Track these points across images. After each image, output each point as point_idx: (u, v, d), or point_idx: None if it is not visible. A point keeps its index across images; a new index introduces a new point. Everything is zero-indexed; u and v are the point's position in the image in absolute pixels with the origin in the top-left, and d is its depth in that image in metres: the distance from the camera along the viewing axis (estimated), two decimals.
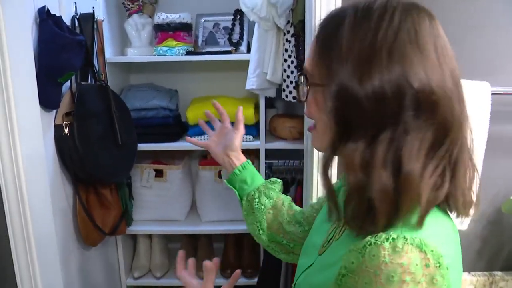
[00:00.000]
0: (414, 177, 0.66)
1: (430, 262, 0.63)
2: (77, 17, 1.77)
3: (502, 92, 1.27)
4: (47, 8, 1.53)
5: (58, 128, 1.64)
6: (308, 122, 1.82)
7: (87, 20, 1.80)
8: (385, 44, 0.68)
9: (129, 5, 2.18)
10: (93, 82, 1.86)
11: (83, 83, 1.77)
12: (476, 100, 1.25)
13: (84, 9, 1.85)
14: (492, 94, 1.25)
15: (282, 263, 2.17)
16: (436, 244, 0.65)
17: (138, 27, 2.21)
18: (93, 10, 1.90)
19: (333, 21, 0.76)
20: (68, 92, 1.71)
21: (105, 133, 1.82)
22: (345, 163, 0.70)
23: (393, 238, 0.64)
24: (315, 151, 1.46)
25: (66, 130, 1.64)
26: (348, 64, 0.70)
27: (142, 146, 2.10)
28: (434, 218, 0.70)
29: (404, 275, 0.62)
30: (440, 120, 0.68)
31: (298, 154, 2.30)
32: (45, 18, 1.50)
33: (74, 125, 1.65)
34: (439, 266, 0.63)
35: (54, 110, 1.64)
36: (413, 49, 0.68)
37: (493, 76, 1.26)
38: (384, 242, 0.64)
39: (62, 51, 1.50)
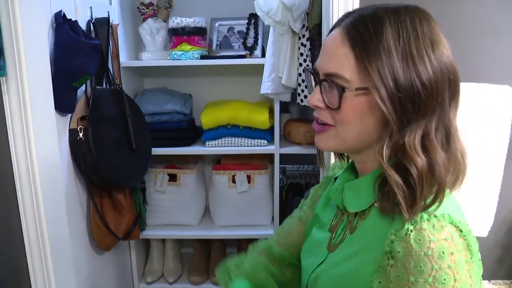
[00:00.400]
0: (463, 154, 0.77)
1: (463, 233, 0.72)
2: (93, 21, 1.77)
3: None
4: (63, 13, 1.53)
5: (72, 132, 1.64)
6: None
7: (102, 25, 1.80)
8: (425, 39, 0.75)
9: (144, 9, 2.18)
10: (108, 87, 1.86)
11: (98, 87, 1.77)
12: (497, 105, 1.22)
13: (99, 13, 1.85)
14: None
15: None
16: (458, 217, 0.73)
17: (153, 32, 2.21)
18: (108, 15, 1.91)
19: (368, 25, 0.76)
20: (83, 96, 1.71)
21: (119, 138, 1.81)
22: (406, 152, 0.74)
23: (427, 219, 0.71)
24: (333, 156, 1.44)
25: (80, 135, 1.64)
26: (399, 62, 0.73)
27: (156, 151, 2.09)
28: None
29: (451, 248, 0.70)
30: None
31: (313, 159, 2.28)
32: (61, 22, 1.51)
33: (89, 129, 1.65)
34: (469, 234, 0.72)
35: (69, 115, 1.64)
36: (441, 40, 0.77)
37: None
38: (422, 224, 0.71)
39: (77, 55, 1.51)
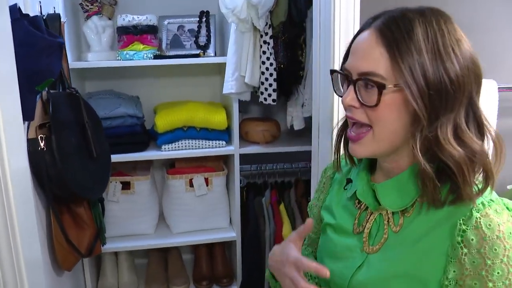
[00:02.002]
0: (499, 140, 0.81)
1: None
2: (44, 17, 1.59)
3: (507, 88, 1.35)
4: (19, 7, 1.36)
5: (32, 142, 1.45)
6: (323, 124, 1.81)
7: (54, 21, 1.63)
8: (451, 37, 0.79)
9: (87, 6, 2.02)
10: (61, 90, 1.69)
11: (52, 91, 1.60)
12: (484, 99, 1.30)
13: (46, 9, 1.67)
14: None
15: (264, 279, 2.13)
16: (505, 200, 0.80)
17: (98, 30, 2.05)
18: (54, 10, 1.73)
19: (400, 26, 0.79)
20: (38, 101, 1.53)
21: (79, 146, 1.65)
22: (441, 145, 0.77)
23: (488, 204, 0.77)
24: (325, 152, 1.43)
25: (42, 144, 1.47)
26: (428, 60, 0.77)
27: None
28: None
29: None
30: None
31: (269, 158, 2.28)
32: (18, 17, 1.33)
33: (52, 138, 1.48)
34: None
35: (26, 123, 1.46)
36: (464, 37, 0.82)
37: (498, 73, 1.33)
38: (486, 210, 0.76)
39: (42, 55, 1.35)
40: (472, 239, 0.75)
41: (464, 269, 0.76)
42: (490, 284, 0.75)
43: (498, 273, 0.75)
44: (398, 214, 0.86)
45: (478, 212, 0.76)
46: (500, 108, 1.43)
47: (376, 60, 0.79)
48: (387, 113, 0.80)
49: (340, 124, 0.96)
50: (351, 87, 0.83)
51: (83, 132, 1.69)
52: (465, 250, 0.76)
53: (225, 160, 2.32)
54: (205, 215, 2.25)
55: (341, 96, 0.88)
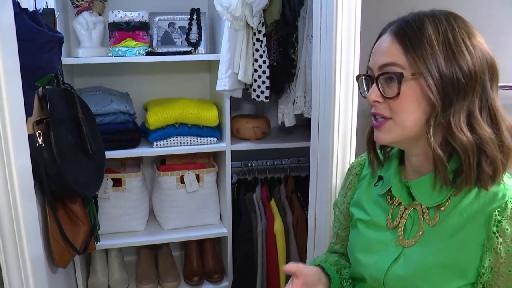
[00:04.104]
0: (511, 130, 0.85)
1: None
2: (40, 12, 1.57)
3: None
4: (18, 1, 1.34)
5: (30, 139, 1.43)
6: (326, 120, 1.82)
7: (49, 16, 1.61)
8: (461, 30, 0.85)
9: (78, 1, 2.00)
10: (55, 86, 1.67)
11: (47, 87, 1.58)
12: None
13: (38, 3, 1.65)
14: None
15: (257, 273, 2.16)
16: None
17: (89, 26, 2.03)
18: (46, 5, 1.71)
19: (412, 24, 0.87)
20: (35, 97, 1.51)
21: (75, 142, 1.64)
22: (452, 131, 0.83)
23: None
24: (324, 149, 1.47)
25: (40, 141, 1.46)
26: (440, 52, 0.83)
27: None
28: None
29: None
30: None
31: (259, 154, 2.30)
32: (18, 12, 1.31)
33: (51, 134, 1.47)
34: None
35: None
36: (476, 31, 0.87)
37: None
38: None
39: (43, 50, 1.34)
40: (507, 229, 0.81)
41: (499, 257, 0.82)
42: None
43: None
44: (433, 209, 0.91)
45: (509, 203, 0.82)
46: None
47: (393, 54, 0.86)
48: (407, 103, 0.86)
49: (369, 125, 1.01)
50: (374, 84, 0.89)
51: (78, 129, 1.68)
52: (500, 240, 0.82)
53: (215, 156, 2.34)
54: (195, 212, 2.25)
55: (365, 97, 0.94)
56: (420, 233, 0.92)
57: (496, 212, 0.83)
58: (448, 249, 0.87)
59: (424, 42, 0.84)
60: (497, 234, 0.82)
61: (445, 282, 0.87)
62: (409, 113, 0.86)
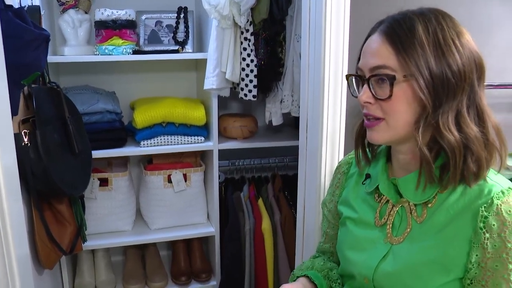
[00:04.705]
0: (497, 129, 0.87)
1: None
2: (25, 9, 1.55)
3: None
4: None
5: (16, 138, 1.41)
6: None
7: (34, 14, 1.59)
8: (450, 30, 0.86)
9: None
10: (41, 85, 1.65)
11: (33, 85, 1.56)
12: None
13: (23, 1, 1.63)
14: None
15: (245, 272, 2.17)
16: None
17: (75, 24, 2.01)
18: (32, 2, 1.69)
19: (402, 25, 0.87)
20: (21, 96, 1.49)
21: (61, 142, 1.63)
22: (440, 131, 0.84)
23: (508, 191, 0.84)
24: (313, 147, 1.47)
25: (26, 140, 1.44)
26: (430, 52, 0.84)
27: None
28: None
29: None
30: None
31: (246, 153, 2.30)
32: (3, 8, 1.30)
33: (37, 133, 1.45)
34: None
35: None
36: (464, 30, 0.88)
37: None
38: (507, 198, 0.83)
39: (29, 48, 1.32)
40: (494, 225, 0.82)
41: (486, 252, 0.83)
42: (510, 266, 0.82)
43: None
44: (420, 206, 0.92)
45: (499, 200, 0.83)
46: None
47: (385, 56, 0.87)
48: (399, 104, 0.87)
49: (358, 123, 1.02)
50: (365, 85, 0.89)
51: (65, 128, 1.66)
52: (487, 235, 0.83)
53: (202, 156, 2.33)
54: (182, 211, 2.25)
55: (356, 97, 0.94)
56: (408, 230, 0.93)
57: (483, 208, 0.84)
58: (436, 245, 0.88)
59: (415, 43, 0.84)
60: (484, 230, 0.83)
61: (433, 278, 0.88)
62: (401, 114, 0.87)
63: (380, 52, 0.88)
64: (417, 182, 0.90)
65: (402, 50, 0.85)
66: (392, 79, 0.85)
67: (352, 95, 0.98)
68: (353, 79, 0.96)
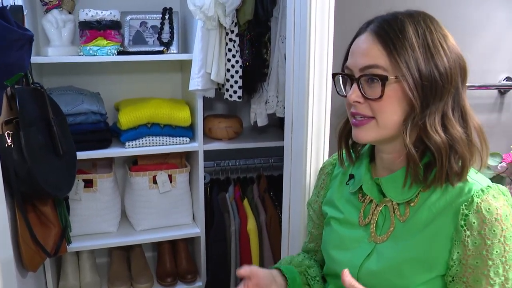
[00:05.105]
0: (479, 130, 0.90)
1: (507, 197, 0.88)
2: (8, 9, 1.53)
3: None
4: None
5: None
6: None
7: (17, 14, 1.57)
8: (438, 33, 0.88)
9: None
10: (24, 85, 1.63)
11: (16, 86, 1.55)
12: None
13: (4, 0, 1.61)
14: None
15: (230, 273, 2.17)
16: (500, 186, 0.89)
17: (59, 24, 1.99)
18: (14, 2, 1.67)
19: (393, 26, 0.88)
20: (3, 97, 1.47)
21: (45, 143, 1.61)
22: (427, 132, 0.86)
23: (487, 189, 0.86)
24: (298, 147, 1.48)
25: (9, 141, 1.43)
26: (420, 54, 0.86)
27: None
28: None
29: (509, 210, 0.86)
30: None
31: (231, 154, 2.31)
32: None
33: (21, 134, 1.44)
34: (510, 198, 0.89)
35: None
36: (448, 34, 0.91)
37: None
38: (486, 196, 0.85)
39: (13, 48, 1.31)
40: (474, 222, 0.84)
41: (467, 249, 0.85)
42: (490, 262, 0.84)
43: (496, 251, 0.84)
44: (403, 205, 0.94)
45: (479, 198, 0.85)
46: None
47: (375, 56, 0.88)
48: (389, 104, 0.88)
49: (341, 123, 1.03)
50: (355, 85, 0.90)
51: (49, 129, 1.65)
52: (468, 233, 0.85)
53: (188, 156, 2.33)
54: (168, 212, 2.24)
55: (344, 96, 0.94)
56: (392, 229, 0.94)
57: (463, 206, 0.86)
58: (419, 243, 0.90)
59: (406, 44, 0.86)
60: (465, 228, 0.85)
61: (416, 276, 0.89)
62: (390, 114, 0.88)
63: (371, 52, 0.88)
64: (403, 181, 0.92)
65: (393, 50, 0.86)
66: (384, 80, 0.86)
67: (338, 93, 0.98)
68: (340, 78, 0.97)
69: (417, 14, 0.90)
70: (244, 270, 1.00)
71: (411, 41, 0.86)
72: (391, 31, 0.87)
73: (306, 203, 1.23)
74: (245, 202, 2.26)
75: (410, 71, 0.85)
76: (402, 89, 0.86)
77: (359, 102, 0.90)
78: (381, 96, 0.87)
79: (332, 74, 0.99)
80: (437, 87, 0.86)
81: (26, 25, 1.82)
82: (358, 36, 0.93)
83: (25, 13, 1.74)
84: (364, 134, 0.92)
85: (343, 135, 1.04)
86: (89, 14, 1.93)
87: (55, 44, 2.01)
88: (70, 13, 2.04)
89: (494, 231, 0.84)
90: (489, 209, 0.84)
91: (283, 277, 1.07)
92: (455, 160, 0.87)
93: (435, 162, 0.88)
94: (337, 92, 0.98)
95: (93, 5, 2.07)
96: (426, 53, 0.86)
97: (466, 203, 0.86)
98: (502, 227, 0.84)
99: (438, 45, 0.87)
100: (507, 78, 1.68)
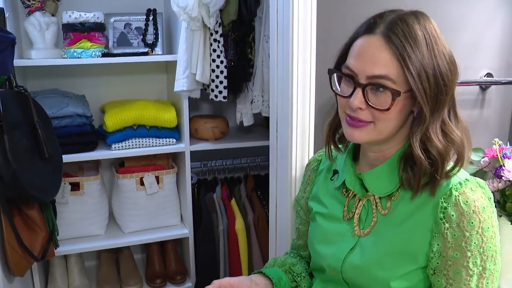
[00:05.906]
0: (465, 131, 0.91)
1: (485, 190, 0.91)
2: None
3: None
4: None
5: None
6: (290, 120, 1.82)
7: None
8: (441, 40, 0.88)
9: (29, 1, 1.94)
10: (7, 89, 1.62)
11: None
12: None
13: None
14: None
15: (219, 273, 2.18)
16: (477, 179, 0.92)
17: (42, 27, 1.98)
18: None
19: (405, 32, 0.85)
20: None
21: (30, 146, 1.60)
22: (431, 139, 0.87)
23: (465, 183, 0.89)
24: (283, 146, 1.49)
25: None
26: (428, 65, 0.85)
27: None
28: None
29: (485, 202, 0.88)
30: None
31: (217, 154, 2.32)
32: None
33: (4, 138, 1.43)
34: (487, 190, 0.91)
35: None
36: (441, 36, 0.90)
37: None
38: (464, 189, 0.87)
39: None
40: (453, 215, 0.86)
41: (447, 242, 0.87)
42: (469, 254, 0.86)
43: (474, 243, 0.86)
44: (385, 199, 0.95)
45: (457, 191, 0.87)
46: None
47: (386, 65, 0.85)
48: (393, 115, 0.88)
49: (330, 119, 1.03)
50: (359, 90, 0.88)
51: (34, 132, 1.64)
52: (447, 225, 0.87)
53: (174, 157, 2.33)
54: (156, 214, 2.24)
55: (340, 95, 0.93)
56: (374, 222, 0.96)
57: (442, 199, 0.88)
58: (400, 236, 0.91)
59: (417, 54, 0.84)
60: (444, 220, 0.87)
61: (398, 268, 0.91)
62: (391, 121, 0.89)
63: (380, 60, 0.85)
64: (404, 188, 0.93)
65: (404, 62, 0.84)
66: (396, 95, 0.85)
67: (332, 89, 0.95)
68: (335, 76, 0.94)
69: (421, 15, 0.89)
70: (213, 286, 1.00)
71: (421, 49, 0.84)
72: (403, 37, 0.85)
73: (294, 200, 1.24)
74: (233, 202, 2.27)
75: (422, 83, 0.84)
76: (409, 101, 0.87)
77: (360, 109, 0.89)
78: (389, 109, 0.86)
79: (329, 70, 0.96)
80: (442, 96, 0.86)
81: (8, 28, 1.81)
82: (363, 36, 0.89)
83: (6, 15, 1.73)
84: (360, 135, 0.92)
85: (332, 129, 1.04)
86: (72, 16, 1.92)
87: (39, 47, 2.00)
88: (53, 15, 2.03)
89: (472, 223, 0.86)
90: (467, 201, 0.86)
91: (267, 278, 1.08)
92: (448, 163, 0.89)
93: (431, 167, 0.88)
94: (332, 89, 0.95)
95: (77, 7, 2.06)
96: (432, 61, 0.85)
97: (444, 196, 0.88)
98: (479, 219, 0.86)
99: (442, 53, 0.87)
100: (488, 74, 1.70)
